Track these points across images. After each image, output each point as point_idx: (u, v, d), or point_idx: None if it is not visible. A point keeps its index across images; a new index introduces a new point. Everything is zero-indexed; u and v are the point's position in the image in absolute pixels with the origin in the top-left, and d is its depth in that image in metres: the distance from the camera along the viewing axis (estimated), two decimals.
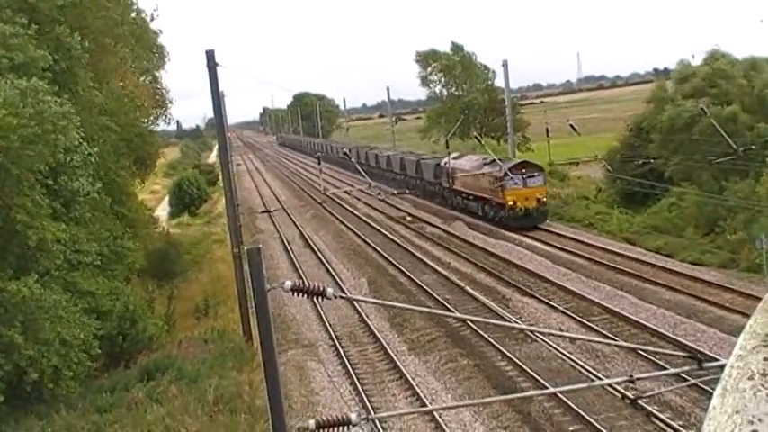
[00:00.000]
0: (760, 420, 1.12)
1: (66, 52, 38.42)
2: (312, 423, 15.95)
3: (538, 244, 46.86)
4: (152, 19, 57.21)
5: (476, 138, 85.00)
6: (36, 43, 35.36)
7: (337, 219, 68.95)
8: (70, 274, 34.65)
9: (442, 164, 69.02)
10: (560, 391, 22.08)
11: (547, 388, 23.13)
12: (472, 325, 31.65)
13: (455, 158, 68.16)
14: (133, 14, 54.41)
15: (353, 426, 17.03)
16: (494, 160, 59.68)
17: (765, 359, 1.21)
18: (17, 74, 32.94)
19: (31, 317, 30.31)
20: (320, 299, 15.58)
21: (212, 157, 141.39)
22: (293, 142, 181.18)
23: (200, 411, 27.62)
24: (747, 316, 1.38)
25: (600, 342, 26.40)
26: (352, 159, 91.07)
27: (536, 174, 56.27)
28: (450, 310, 33.31)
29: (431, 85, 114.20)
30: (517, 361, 28.48)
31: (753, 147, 53.86)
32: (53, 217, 33.96)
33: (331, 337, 34.59)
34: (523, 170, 55.70)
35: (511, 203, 53.70)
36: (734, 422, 1.14)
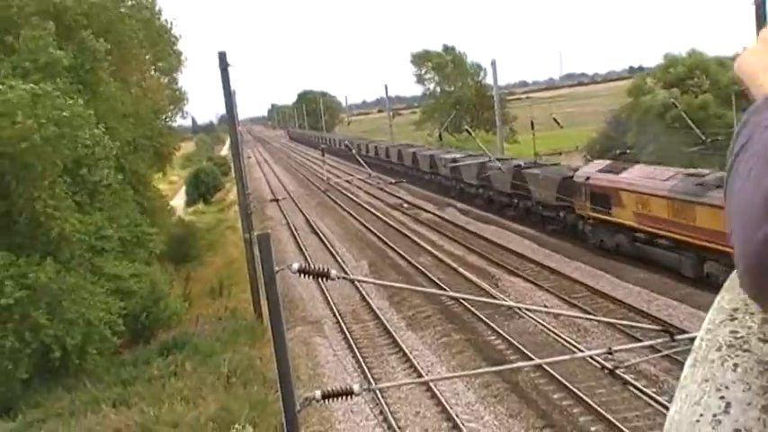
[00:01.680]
0: (727, 387, 1.14)
1: (90, 54, 38.43)
2: (318, 393, 16.00)
3: (525, 228, 46.81)
4: (170, 26, 57.16)
5: (467, 131, 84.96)
6: (59, 45, 35.37)
7: (340, 206, 68.90)
8: (95, 259, 34.73)
9: (575, 179, 41.09)
10: (545, 363, 22.11)
11: (533, 360, 23.17)
12: (464, 303, 31.67)
13: (609, 169, 39.96)
14: (156, 22, 54.32)
15: (356, 395, 17.07)
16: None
17: (731, 332, 1.23)
18: (41, 74, 33.03)
19: (55, 299, 30.53)
20: (325, 280, 15.66)
21: (225, 150, 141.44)
22: (300, 136, 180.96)
23: (215, 383, 27.68)
24: (714, 293, 1.39)
25: (581, 317, 26.46)
26: (353, 151, 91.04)
27: None
28: (444, 289, 33.30)
29: (425, 83, 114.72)
30: (506, 335, 28.54)
31: (719, 137, 54.38)
32: (78, 206, 34.06)
33: (335, 315, 34.64)
34: None
35: None
36: (703, 390, 1.15)
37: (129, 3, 46.55)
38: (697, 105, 61.20)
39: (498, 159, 57.31)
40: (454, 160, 63.83)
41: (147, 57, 52.37)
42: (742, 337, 1.22)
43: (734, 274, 1.39)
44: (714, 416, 1.13)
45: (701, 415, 1.14)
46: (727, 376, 1.17)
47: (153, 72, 59.30)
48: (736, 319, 1.26)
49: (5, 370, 29.76)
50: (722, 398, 1.15)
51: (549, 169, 47.68)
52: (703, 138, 55.45)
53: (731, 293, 1.32)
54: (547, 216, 45.31)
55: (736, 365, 1.18)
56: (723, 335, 1.24)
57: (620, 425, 20.88)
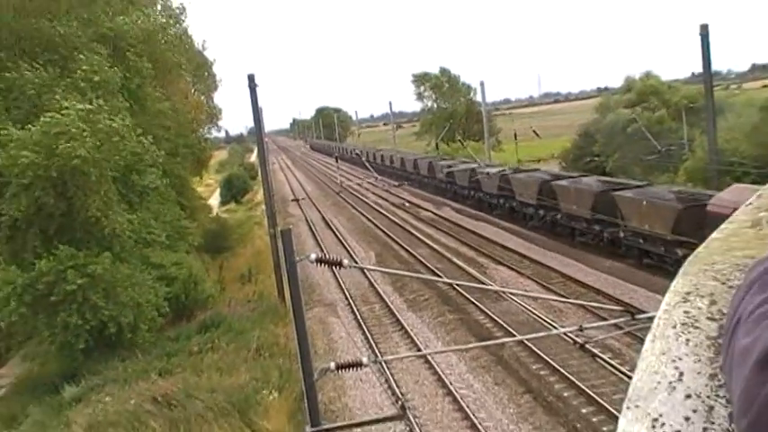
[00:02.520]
0: (680, 359, 1.16)
1: (138, 73, 38.53)
2: (333, 365, 15.99)
3: (509, 224, 46.75)
4: (204, 49, 57.30)
5: (459, 141, 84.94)
6: (112, 66, 35.49)
7: (351, 205, 68.91)
8: (143, 250, 34.87)
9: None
10: (525, 339, 22.11)
11: (515, 336, 23.18)
12: (457, 288, 31.65)
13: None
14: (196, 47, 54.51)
15: (365, 366, 17.05)
16: None
17: (684, 312, 1.24)
18: (96, 92, 33.17)
19: (110, 285, 30.83)
20: (338, 268, 15.63)
21: (253, 158, 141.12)
22: (320, 146, 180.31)
23: (246, 356, 27.73)
24: (669, 279, 1.39)
25: (556, 300, 26.42)
26: (363, 158, 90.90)
27: None
28: (440, 276, 33.31)
29: (424, 100, 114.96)
30: (492, 316, 28.55)
31: (672, 147, 54.48)
32: (129, 206, 34.20)
33: (347, 298, 34.66)
34: None
35: None
36: (661, 361, 1.16)
37: (172, 31, 46.50)
38: (654, 120, 61.19)
39: (487, 165, 57.38)
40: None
41: (188, 79, 52.46)
42: (693, 316, 1.24)
43: (687, 262, 1.40)
44: (670, 383, 1.14)
45: (659, 382, 1.15)
46: (681, 349, 1.19)
47: (193, 92, 59.51)
48: (688, 301, 1.27)
49: (70, 344, 30.19)
50: (676, 368, 1.16)
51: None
52: (659, 147, 55.55)
53: (684, 279, 1.33)
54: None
55: (688, 340, 1.20)
56: (677, 314, 1.25)
57: (588, 391, 20.90)
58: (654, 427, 1.10)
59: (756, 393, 0.96)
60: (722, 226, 1.50)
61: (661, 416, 1.11)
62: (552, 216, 41.10)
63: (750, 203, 1.53)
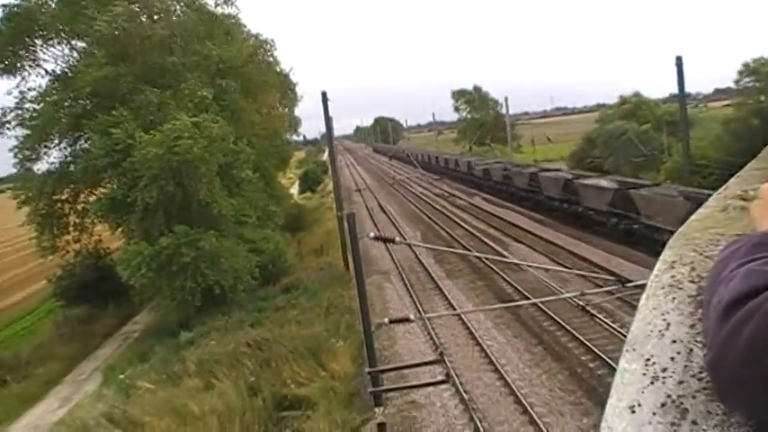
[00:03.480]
0: (668, 313, 1.18)
1: (227, 91, 39.06)
2: (387, 320, 16.03)
3: (527, 211, 46.35)
4: (289, 73, 57.83)
5: (488, 144, 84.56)
6: (208, 86, 36.22)
7: (401, 195, 68.88)
8: (239, 228, 35.27)
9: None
10: (539, 302, 21.99)
11: (530, 299, 23.05)
12: (485, 261, 31.53)
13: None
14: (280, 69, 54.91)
15: (412, 322, 17.07)
16: None
17: (671, 276, 1.26)
18: (198, 107, 34.08)
19: (215, 256, 31.38)
20: (391, 244, 15.67)
21: (324, 157, 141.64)
22: (381, 148, 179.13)
23: (319, 312, 27.94)
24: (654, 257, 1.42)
25: (563, 271, 26.21)
26: (411, 158, 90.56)
27: None
28: (471, 251, 33.21)
29: (460, 111, 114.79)
30: (513, 283, 28.41)
31: (655, 152, 55.14)
32: (229, 194, 34.66)
33: (397, 268, 34.69)
34: None
35: None
36: (653, 314, 1.19)
37: (263, 59, 46.81)
38: (641, 130, 61.14)
39: (518, 164, 56.88)
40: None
41: (275, 94, 52.88)
42: (678, 279, 1.25)
43: (672, 238, 1.41)
44: (659, 331, 1.17)
45: (651, 331, 1.17)
46: (668, 305, 1.21)
47: (279, 107, 60.00)
48: (674, 268, 1.29)
49: (186, 301, 30.82)
50: (665, 319, 1.18)
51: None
52: (645, 152, 55.46)
53: (670, 251, 1.35)
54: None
55: (674, 298, 1.22)
56: (665, 278, 1.27)
57: (587, 342, 20.76)
58: (646, 365, 1.12)
59: (715, 336, 1.01)
60: (699, 210, 1.52)
61: (652, 356, 1.13)
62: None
63: (719, 193, 1.56)
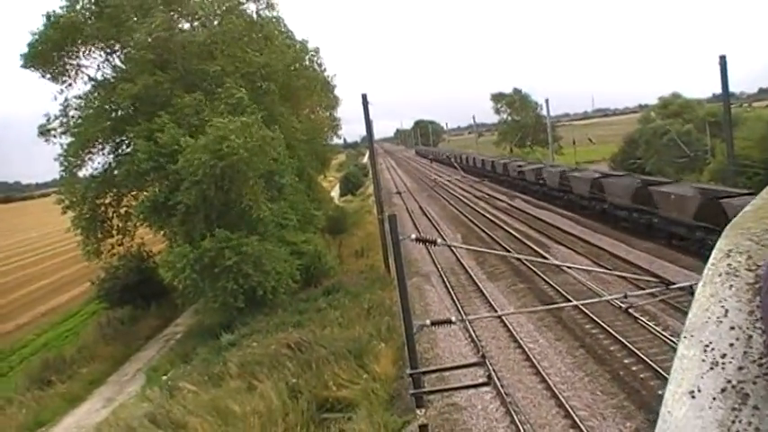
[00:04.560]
0: (726, 300, 1.18)
1: (262, 92, 39.26)
2: (428, 322, 16.01)
3: (566, 212, 46.04)
4: (332, 78, 58.24)
5: (529, 146, 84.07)
6: (244, 88, 36.43)
7: (442, 197, 68.79)
8: (281, 232, 35.48)
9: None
10: (581, 304, 21.78)
11: (572, 302, 22.86)
12: (526, 262, 31.36)
13: None
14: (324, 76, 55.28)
15: (453, 324, 17.04)
16: None
17: (728, 264, 1.25)
18: (235, 110, 34.32)
19: (258, 259, 31.59)
20: (432, 246, 15.65)
21: (365, 160, 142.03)
22: (423, 151, 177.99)
23: (360, 314, 27.98)
24: (693, 258, 1.41)
25: (605, 272, 25.97)
26: (452, 159, 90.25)
27: None
28: (511, 253, 33.05)
29: (500, 114, 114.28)
30: (554, 285, 28.18)
31: (698, 152, 54.61)
32: (271, 198, 34.91)
33: (438, 270, 34.66)
34: None
35: None
36: (710, 301, 1.18)
37: (299, 65, 46.97)
38: (683, 131, 60.31)
39: (551, 165, 56.77)
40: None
41: (316, 98, 53.18)
42: (735, 267, 1.25)
43: (728, 227, 1.41)
44: (717, 318, 1.16)
45: (709, 317, 1.17)
46: (726, 292, 1.20)
47: (319, 110, 60.37)
48: (730, 256, 1.28)
49: (229, 303, 31.10)
50: (722, 306, 1.18)
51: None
52: (688, 153, 54.79)
53: (726, 240, 1.34)
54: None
55: (731, 286, 1.21)
56: (722, 266, 1.26)
57: (630, 345, 20.52)
58: (705, 351, 1.12)
59: None
60: (753, 201, 1.51)
61: (711, 343, 1.13)
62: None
63: None
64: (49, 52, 37.21)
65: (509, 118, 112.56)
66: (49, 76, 37.75)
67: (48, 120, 37.74)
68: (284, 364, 22.93)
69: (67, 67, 38.08)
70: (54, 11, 36.74)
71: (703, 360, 1.11)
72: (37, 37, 36.73)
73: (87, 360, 33.98)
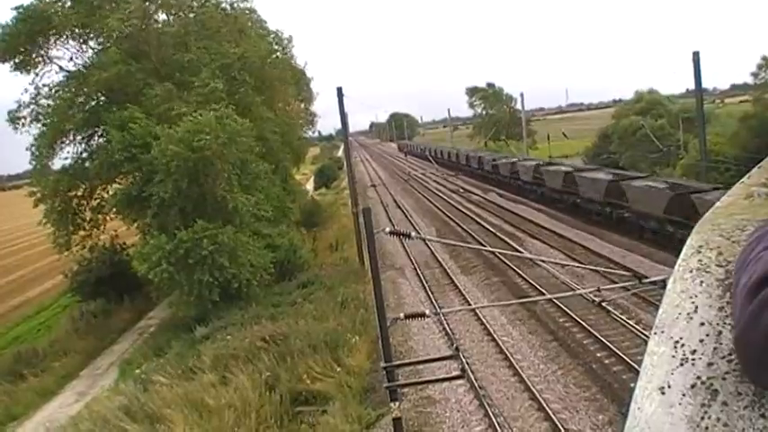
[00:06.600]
0: (696, 296, 1.19)
1: (241, 86, 38.91)
2: (402, 315, 16.02)
3: (540, 206, 46.25)
4: (305, 67, 57.96)
5: (503, 140, 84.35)
6: (220, 81, 36.18)
7: (416, 190, 68.84)
8: (255, 224, 35.29)
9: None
10: (554, 297, 21.94)
11: (546, 295, 23.01)
12: (500, 256, 31.49)
13: None
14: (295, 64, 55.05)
15: (427, 317, 17.08)
16: None
17: (698, 260, 1.27)
18: (208, 100, 34.06)
19: (232, 251, 31.39)
20: (406, 239, 15.67)
21: (339, 153, 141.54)
22: (405, 146, 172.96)
23: (334, 307, 27.93)
24: (665, 252, 1.42)
25: (578, 266, 26.13)
26: (427, 153, 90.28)
27: None
28: (485, 246, 33.16)
29: (474, 108, 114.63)
30: (528, 279, 28.34)
31: (671, 147, 55.14)
32: (245, 189, 34.69)
33: (413, 263, 34.71)
34: None
35: None
36: (680, 297, 1.19)
37: (274, 56, 46.58)
38: (657, 126, 60.87)
39: (525, 159, 56.98)
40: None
41: (291, 90, 52.86)
42: (705, 264, 1.26)
43: (698, 223, 1.42)
44: (688, 314, 1.17)
45: (679, 314, 1.18)
46: (696, 288, 1.21)
47: (294, 102, 60.05)
48: (700, 252, 1.29)
49: (204, 295, 30.92)
50: (693, 302, 1.19)
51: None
52: (661, 148, 55.33)
53: (696, 236, 1.35)
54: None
55: (702, 282, 1.22)
56: (693, 262, 1.27)
57: (602, 339, 20.70)
58: (675, 347, 1.13)
59: (741, 314, 1.04)
60: (722, 198, 1.52)
61: (681, 339, 1.14)
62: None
63: (743, 182, 1.57)
64: (21, 45, 36.69)
65: (483, 112, 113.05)
66: (20, 69, 37.21)
67: (19, 106, 37.24)
68: (259, 356, 22.88)
69: (38, 58, 37.56)
70: (23, 4, 36.25)
71: (673, 356, 1.11)
72: (7, 30, 36.19)
73: (60, 354, 33.65)
